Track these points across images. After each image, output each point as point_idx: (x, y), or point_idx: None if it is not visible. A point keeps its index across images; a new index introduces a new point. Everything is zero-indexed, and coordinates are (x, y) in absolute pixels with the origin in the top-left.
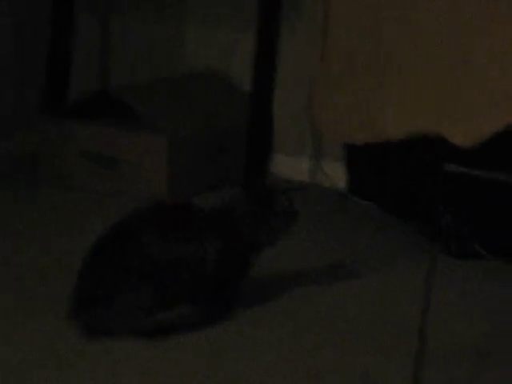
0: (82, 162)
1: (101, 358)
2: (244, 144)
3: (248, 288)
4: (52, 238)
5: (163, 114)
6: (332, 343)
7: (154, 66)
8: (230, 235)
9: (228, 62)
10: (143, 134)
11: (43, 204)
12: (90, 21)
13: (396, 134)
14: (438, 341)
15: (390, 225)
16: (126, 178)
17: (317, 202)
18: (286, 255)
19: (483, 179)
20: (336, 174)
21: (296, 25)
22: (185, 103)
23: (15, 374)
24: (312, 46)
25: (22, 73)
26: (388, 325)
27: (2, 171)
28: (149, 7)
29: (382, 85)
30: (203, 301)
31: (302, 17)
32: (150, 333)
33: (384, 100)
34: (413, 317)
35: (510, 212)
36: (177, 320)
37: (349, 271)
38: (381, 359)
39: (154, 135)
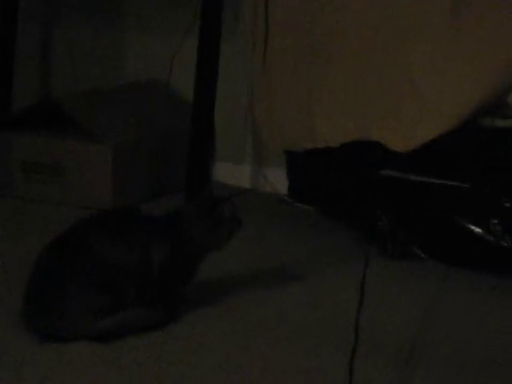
0: (25, 172)
1: (51, 362)
2: (186, 151)
3: (193, 292)
4: None
5: (105, 123)
6: (276, 343)
7: (96, 75)
8: (176, 240)
9: (169, 70)
10: (86, 143)
11: None
12: (32, 30)
13: (334, 140)
14: (373, 337)
15: (329, 228)
16: (70, 187)
17: (259, 208)
18: (230, 259)
19: (419, 183)
20: (277, 180)
21: (235, 30)
22: (127, 112)
23: None
24: (252, 51)
25: None
26: (326, 323)
27: None
28: (89, 17)
29: (319, 92)
30: (150, 304)
31: (241, 21)
32: (98, 336)
33: (320, 106)
34: (350, 315)
35: (444, 215)
36: (125, 323)
37: (290, 274)
38: (319, 355)
39: (97, 144)
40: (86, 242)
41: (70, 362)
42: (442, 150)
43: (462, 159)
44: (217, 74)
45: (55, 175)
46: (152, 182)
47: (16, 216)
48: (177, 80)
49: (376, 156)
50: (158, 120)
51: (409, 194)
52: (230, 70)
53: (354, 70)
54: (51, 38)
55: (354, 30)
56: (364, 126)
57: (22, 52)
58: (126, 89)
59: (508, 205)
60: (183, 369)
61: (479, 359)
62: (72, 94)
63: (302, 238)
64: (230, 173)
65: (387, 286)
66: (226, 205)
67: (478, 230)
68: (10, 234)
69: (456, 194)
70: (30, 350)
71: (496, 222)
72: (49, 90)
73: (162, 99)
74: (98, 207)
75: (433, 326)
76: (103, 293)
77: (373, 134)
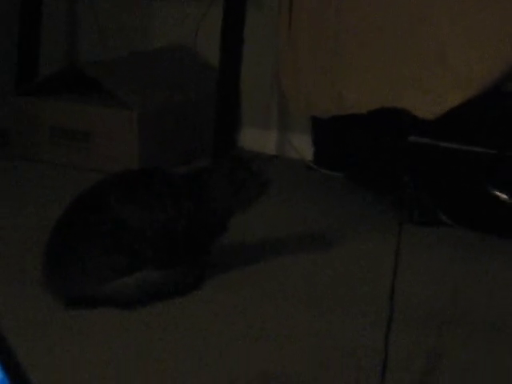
0: (53, 137)
1: (76, 328)
2: (212, 117)
3: (218, 256)
4: (26, 211)
5: (132, 88)
6: (304, 308)
7: (123, 41)
8: (201, 201)
9: (196, 36)
10: (113, 108)
11: (17, 178)
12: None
13: (360, 106)
14: (407, 306)
15: (356, 194)
16: (96, 152)
17: (284, 174)
18: (256, 225)
19: (446, 149)
20: (303, 146)
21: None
22: (153, 77)
23: None
24: (278, 18)
25: None
26: (358, 290)
27: None
28: None
29: (346, 58)
30: (174, 267)
31: None
32: (119, 299)
33: (348, 73)
34: (382, 282)
35: (471, 181)
36: (145, 284)
37: (318, 239)
38: (352, 324)
39: (124, 109)
40: (107, 201)
41: (93, 327)
42: (469, 115)
43: (488, 125)
44: (242, 39)
45: (82, 141)
46: (178, 148)
47: (43, 181)
48: (203, 46)
49: (403, 122)
50: (185, 86)
51: (436, 161)
52: (258, 36)
53: (382, 38)
54: (77, 7)
55: (382, 5)
56: (391, 93)
57: (49, 22)
58: (152, 55)
59: None
60: (206, 333)
61: (510, 326)
62: (98, 60)
63: (328, 204)
64: (256, 138)
65: (417, 253)
66: (252, 167)
67: (504, 196)
68: (36, 199)
69: (483, 160)
70: (53, 316)
71: None
72: (76, 60)
73: (188, 65)
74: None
75: (463, 293)
76: (124, 254)
77: (399, 101)
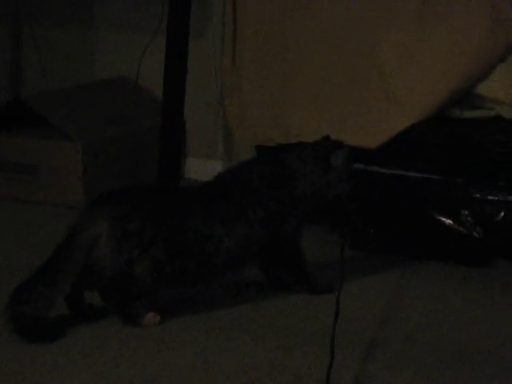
0: None
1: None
2: (157, 148)
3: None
4: None
5: (76, 121)
6: (249, 340)
7: (66, 73)
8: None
9: (139, 66)
10: (57, 140)
11: None
12: (0, 30)
13: (305, 136)
14: (350, 333)
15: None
16: (43, 184)
17: None
18: None
19: (389, 176)
20: None
21: (204, 28)
22: (97, 109)
23: None
24: (222, 48)
25: None
26: (304, 318)
27: None
28: (59, 15)
29: (291, 88)
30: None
31: (209, 19)
32: None
33: (293, 103)
34: (326, 310)
35: (416, 207)
36: None
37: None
38: (297, 353)
39: (68, 142)
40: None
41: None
42: (411, 141)
43: (431, 151)
44: (186, 69)
45: (27, 173)
46: (124, 179)
47: None
48: (146, 77)
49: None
50: (129, 117)
51: (380, 187)
52: (202, 67)
53: (326, 68)
54: (20, 37)
55: (324, 26)
56: (335, 124)
57: None
58: (96, 87)
59: (478, 195)
60: (157, 365)
61: (453, 350)
62: (42, 93)
63: None
64: (201, 169)
65: (360, 280)
66: (339, 153)
67: (449, 221)
68: None
69: (426, 186)
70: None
71: (467, 213)
72: (18, 90)
73: (131, 97)
74: (70, 205)
75: (406, 316)
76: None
77: (343, 135)
